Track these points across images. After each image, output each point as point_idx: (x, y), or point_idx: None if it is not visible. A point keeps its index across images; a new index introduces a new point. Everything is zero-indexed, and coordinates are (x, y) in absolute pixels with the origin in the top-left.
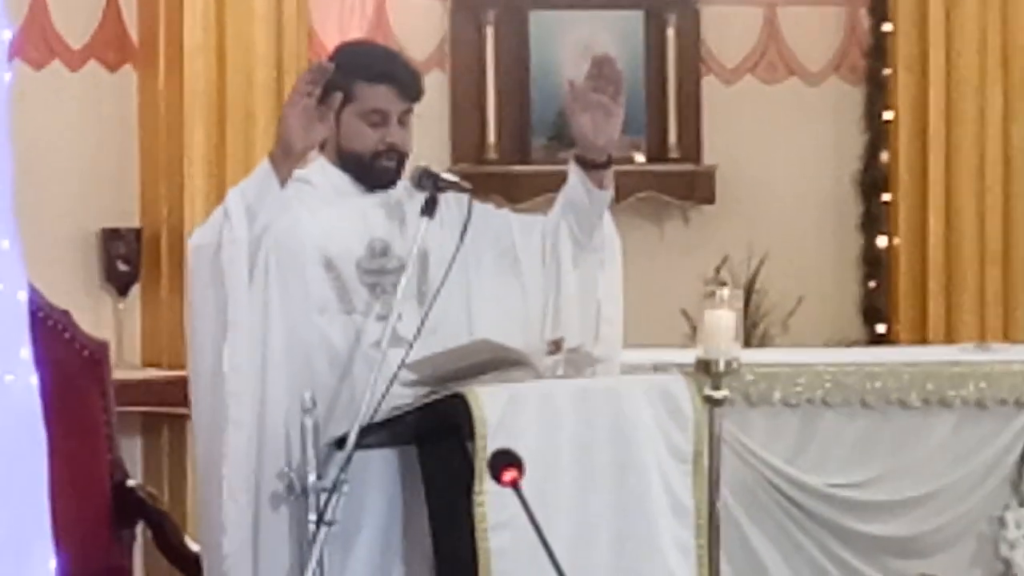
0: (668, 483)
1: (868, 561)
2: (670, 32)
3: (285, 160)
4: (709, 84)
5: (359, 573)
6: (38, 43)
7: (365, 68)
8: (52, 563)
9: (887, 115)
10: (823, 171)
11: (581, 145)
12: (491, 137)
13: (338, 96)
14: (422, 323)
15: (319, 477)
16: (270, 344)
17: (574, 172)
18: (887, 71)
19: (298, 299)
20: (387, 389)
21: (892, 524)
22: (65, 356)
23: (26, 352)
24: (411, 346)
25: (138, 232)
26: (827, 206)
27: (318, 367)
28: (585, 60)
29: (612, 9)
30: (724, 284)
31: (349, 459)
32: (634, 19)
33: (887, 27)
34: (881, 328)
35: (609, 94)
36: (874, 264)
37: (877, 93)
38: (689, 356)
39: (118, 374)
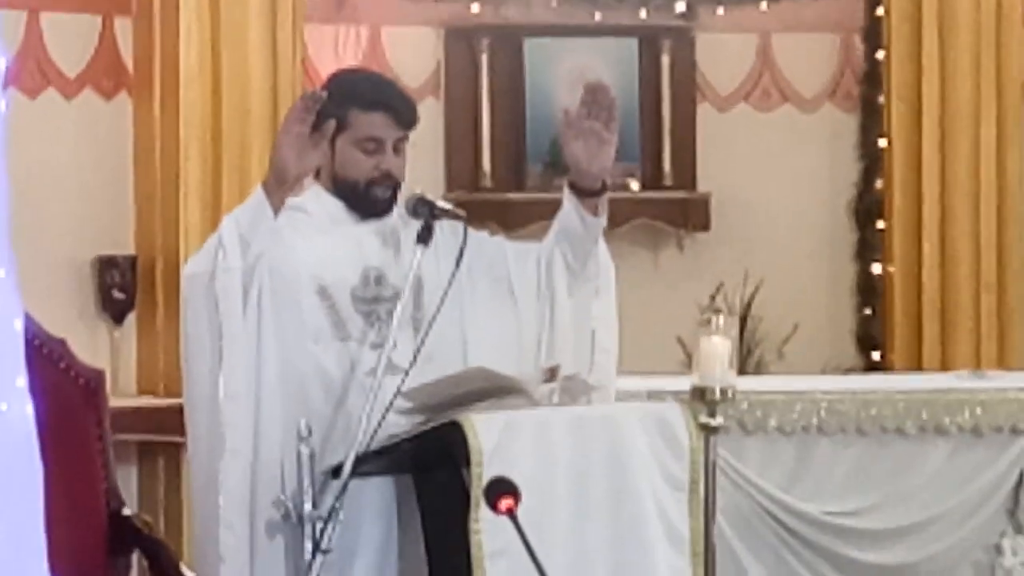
0: (664, 511)
1: None
2: (665, 59)
3: (279, 188)
4: (704, 111)
5: None
6: (33, 71)
7: (360, 96)
8: None
9: (882, 142)
10: (818, 198)
11: (575, 172)
12: (486, 165)
13: (332, 123)
14: (417, 351)
15: (315, 505)
16: (265, 373)
17: (568, 199)
18: (882, 98)
19: (293, 327)
20: (383, 417)
21: (888, 552)
22: (61, 384)
23: (22, 381)
24: (406, 374)
25: (133, 260)
26: (822, 233)
27: (313, 395)
28: (580, 87)
29: (607, 36)
30: (719, 311)
31: (345, 487)
32: (629, 46)
33: (881, 55)
34: (876, 355)
35: (603, 121)
36: (869, 291)
37: (872, 120)
38: (684, 384)
39: (114, 402)
